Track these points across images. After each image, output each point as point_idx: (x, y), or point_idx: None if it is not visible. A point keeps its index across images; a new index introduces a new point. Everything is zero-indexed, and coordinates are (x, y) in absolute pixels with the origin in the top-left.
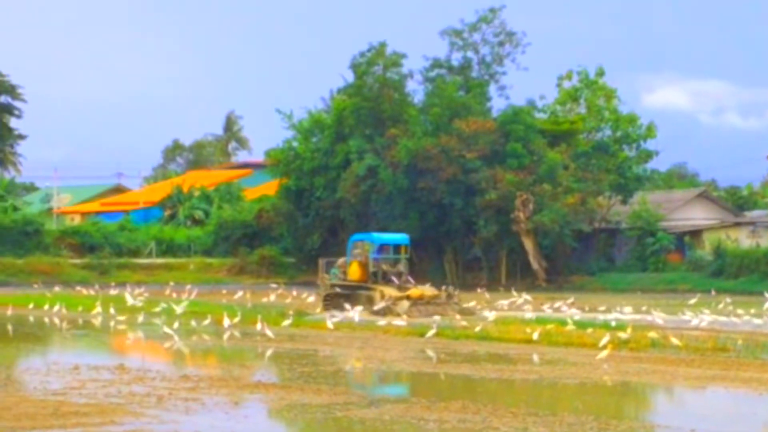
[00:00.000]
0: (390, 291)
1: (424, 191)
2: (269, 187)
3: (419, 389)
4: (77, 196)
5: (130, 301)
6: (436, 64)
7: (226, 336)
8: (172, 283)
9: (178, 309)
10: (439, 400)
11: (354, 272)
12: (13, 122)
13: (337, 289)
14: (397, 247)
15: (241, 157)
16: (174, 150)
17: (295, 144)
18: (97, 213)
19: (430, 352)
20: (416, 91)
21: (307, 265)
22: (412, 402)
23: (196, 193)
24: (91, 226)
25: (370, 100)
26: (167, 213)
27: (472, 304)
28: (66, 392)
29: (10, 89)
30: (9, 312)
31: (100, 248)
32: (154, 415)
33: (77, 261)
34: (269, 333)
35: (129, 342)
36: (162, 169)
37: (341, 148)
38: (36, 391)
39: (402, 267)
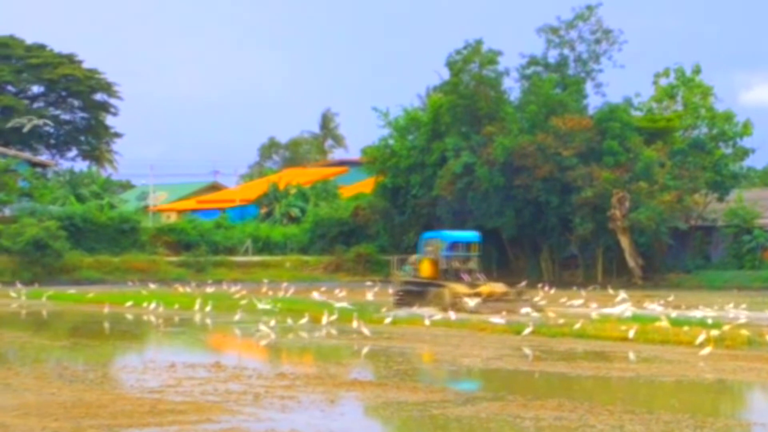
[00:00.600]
0: (460, 288)
1: (520, 189)
2: (365, 184)
3: (516, 387)
4: (173, 194)
5: (262, 305)
6: (533, 61)
7: (323, 333)
8: (266, 281)
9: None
10: (536, 398)
11: (425, 269)
12: (110, 120)
13: (409, 286)
14: (468, 245)
15: (338, 154)
16: (270, 148)
17: (391, 142)
18: (193, 211)
19: (527, 350)
20: (512, 88)
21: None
22: (509, 400)
23: (293, 191)
24: (188, 223)
25: (467, 98)
26: (263, 211)
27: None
28: (162, 390)
29: (106, 87)
30: (106, 310)
31: (197, 246)
32: (251, 413)
33: (173, 259)
34: (365, 331)
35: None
36: (258, 166)
37: (437, 145)
38: (132, 389)
39: (473, 264)
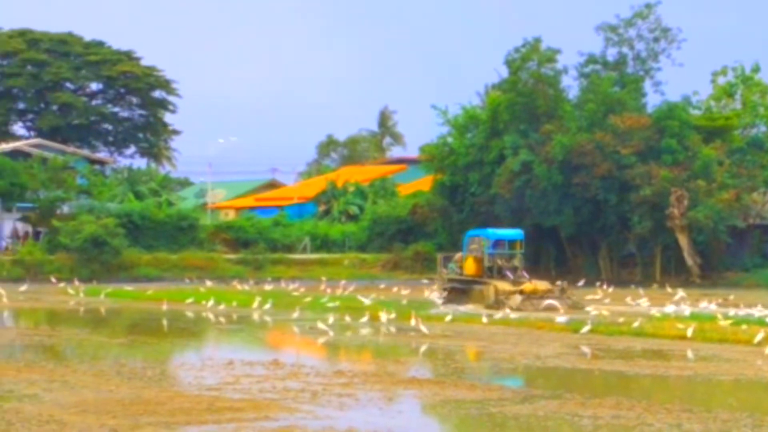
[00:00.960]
0: (503, 285)
1: (578, 187)
2: (424, 182)
3: (573, 385)
4: (232, 192)
5: (366, 301)
6: (591, 59)
7: (382, 331)
8: (324, 279)
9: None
10: (593, 396)
11: (469, 267)
12: (168, 117)
13: (454, 284)
14: (512, 243)
15: (396, 152)
16: (328, 145)
17: (449, 140)
18: (252, 208)
19: (585, 348)
20: (571, 86)
21: None
22: (566, 398)
23: (351, 189)
24: (246, 221)
25: (525, 96)
26: (321, 208)
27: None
28: (220, 387)
29: (164, 84)
30: (164, 307)
31: (255, 243)
32: (309, 410)
33: (231, 256)
34: (423, 329)
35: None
36: (316, 164)
37: (496, 143)
38: (191, 386)
39: (517, 262)
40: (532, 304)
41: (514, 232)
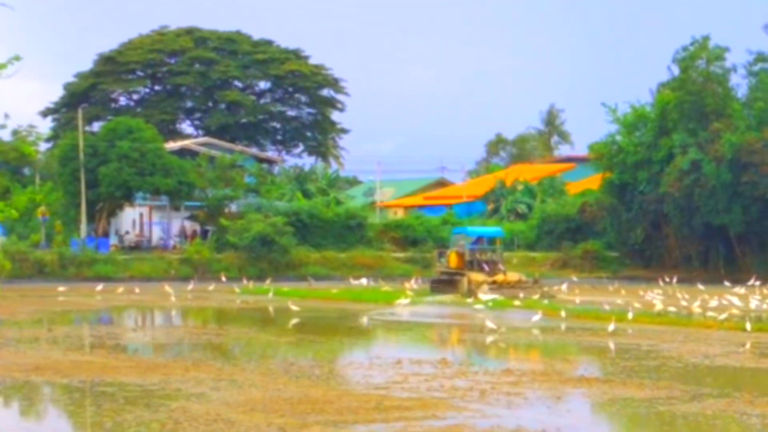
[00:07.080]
0: (477, 277)
1: (747, 185)
2: (592, 181)
3: (742, 384)
4: (400, 190)
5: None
6: (760, 58)
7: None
8: None
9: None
10: (762, 395)
11: (453, 260)
12: (336, 116)
13: (442, 276)
14: (491, 240)
15: (563, 151)
16: (497, 144)
17: (618, 138)
18: (420, 207)
19: (747, 345)
20: (739, 85)
21: (630, 260)
22: (735, 397)
23: (519, 187)
24: (414, 219)
25: (694, 94)
26: (490, 207)
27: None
28: (388, 386)
29: (332, 83)
30: (333, 305)
31: (423, 242)
32: (477, 409)
33: (400, 255)
34: (611, 327)
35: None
36: (485, 163)
37: (665, 142)
38: (358, 385)
39: (495, 256)
40: (502, 293)
41: (494, 230)
